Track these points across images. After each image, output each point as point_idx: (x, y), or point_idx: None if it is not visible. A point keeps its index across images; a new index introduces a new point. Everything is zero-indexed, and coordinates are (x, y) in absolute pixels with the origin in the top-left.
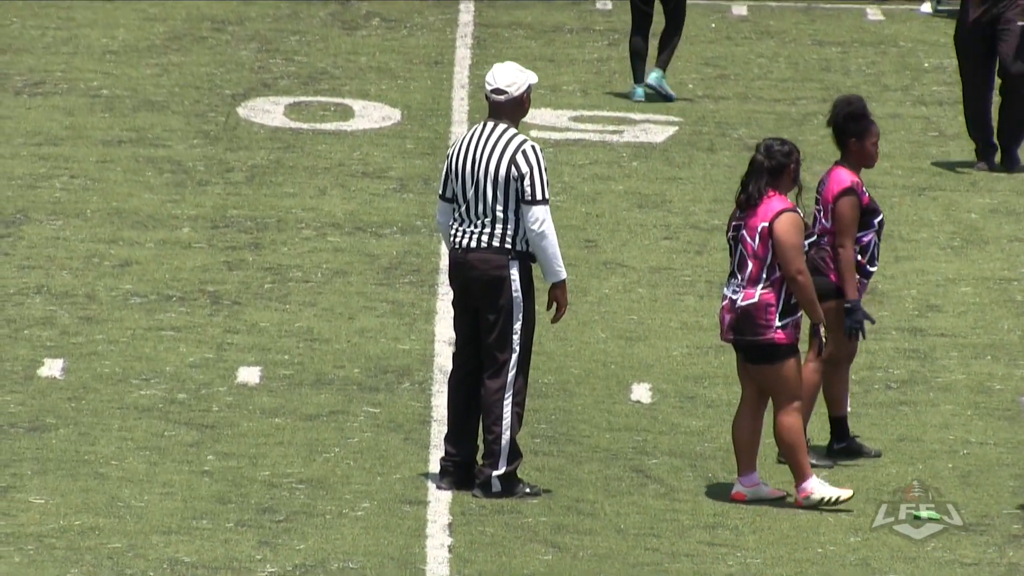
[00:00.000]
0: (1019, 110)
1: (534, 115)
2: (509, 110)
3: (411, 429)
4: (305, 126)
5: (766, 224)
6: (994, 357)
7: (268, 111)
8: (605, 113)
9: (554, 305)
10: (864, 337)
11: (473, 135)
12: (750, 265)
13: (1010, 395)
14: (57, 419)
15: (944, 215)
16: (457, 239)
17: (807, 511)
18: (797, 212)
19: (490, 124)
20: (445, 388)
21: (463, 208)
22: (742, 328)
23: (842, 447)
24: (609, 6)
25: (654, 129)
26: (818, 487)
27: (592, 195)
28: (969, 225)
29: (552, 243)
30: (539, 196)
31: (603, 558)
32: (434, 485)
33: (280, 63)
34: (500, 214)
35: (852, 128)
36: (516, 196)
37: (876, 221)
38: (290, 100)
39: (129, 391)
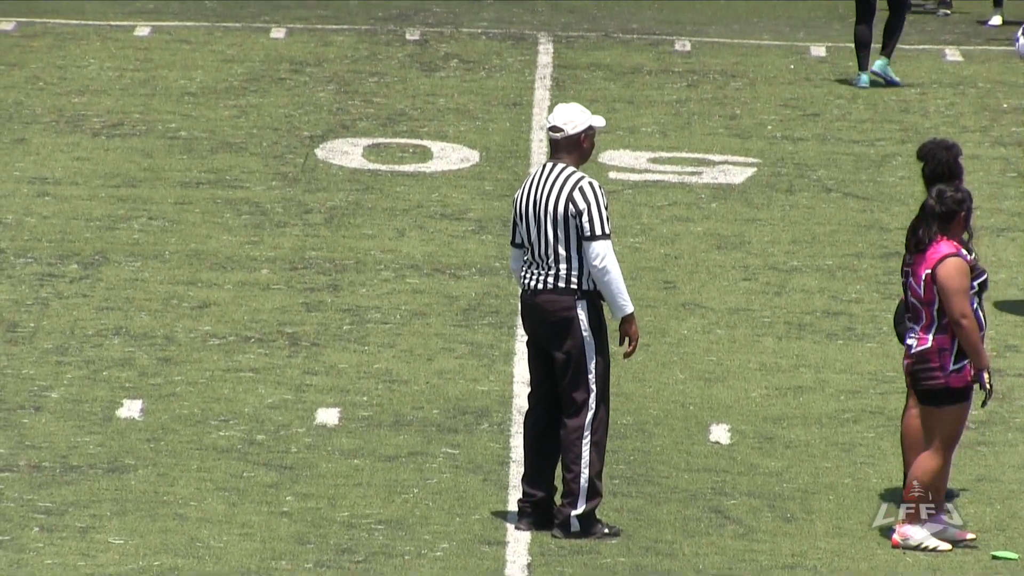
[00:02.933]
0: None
1: (612, 157)
2: (566, 149)
3: (490, 470)
4: (383, 168)
5: (930, 271)
6: None
7: (346, 152)
8: (684, 155)
9: (626, 340)
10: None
11: (533, 177)
12: (921, 311)
13: None
14: (136, 460)
15: (1022, 256)
16: (526, 281)
17: (884, 550)
18: (963, 257)
19: (549, 165)
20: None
21: (530, 251)
22: (917, 373)
23: None
24: (688, 47)
25: (733, 170)
26: (919, 533)
27: (671, 236)
28: None
29: (615, 278)
30: (598, 231)
31: None
32: (512, 526)
33: (358, 104)
34: (563, 253)
35: (957, 169)
36: (577, 234)
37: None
38: (368, 141)
39: (208, 432)
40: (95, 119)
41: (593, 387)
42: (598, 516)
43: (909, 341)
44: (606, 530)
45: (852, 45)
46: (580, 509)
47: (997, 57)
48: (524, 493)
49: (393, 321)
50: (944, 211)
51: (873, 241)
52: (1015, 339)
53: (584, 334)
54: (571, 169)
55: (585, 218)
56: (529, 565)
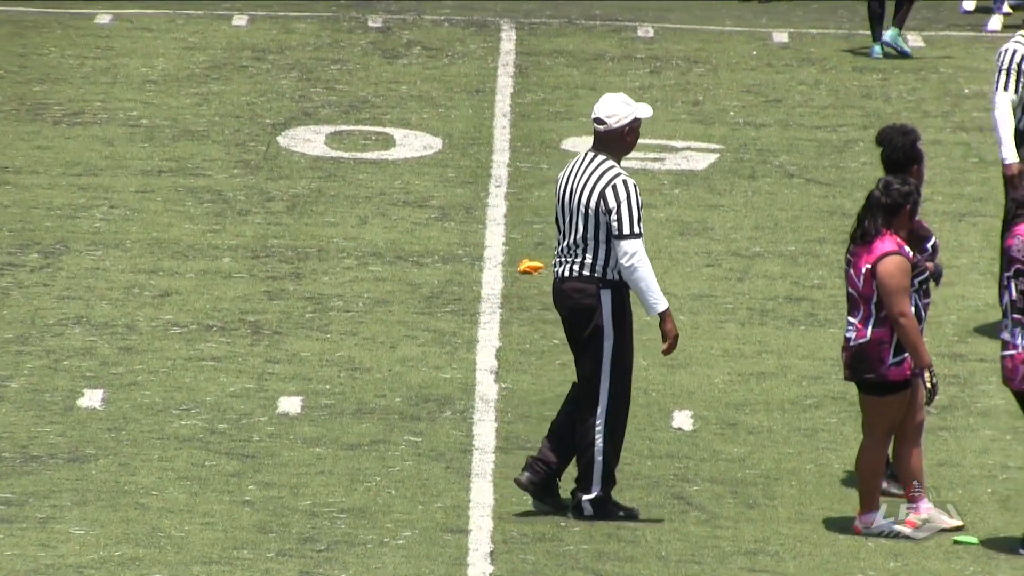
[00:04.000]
0: None
1: (575, 143)
2: (608, 142)
3: (452, 458)
4: (346, 155)
5: (870, 266)
6: None
7: (309, 140)
8: (646, 141)
9: (667, 338)
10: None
11: (574, 165)
12: (859, 304)
13: None
14: (97, 449)
15: (984, 241)
16: (556, 268)
17: (847, 536)
18: (905, 255)
19: (589, 155)
20: (486, 417)
21: (562, 237)
22: (857, 366)
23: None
24: (650, 33)
25: (696, 156)
26: (880, 521)
27: None
28: None
29: (644, 276)
30: (627, 231)
31: None
32: (476, 514)
33: (321, 92)
34: (591, 244)
35: (915, 155)
36: (607, 228)
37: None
38: (331, 129)
39: (169, 421)
40: (56, 107)
41: (607, 376)
42: (615, 499)
43: (848, 334)
44: (621, 512)
45: (814, 31)
46: (593, 494)
47: (959, 43)
48: (540, 451)
49: (356, 309)
50: (890, 203)
51: (835, 227)
52: (976, 324)
53: (604, 323)
54: (609, 164)
55: (615, 216)
56: (492, 553)
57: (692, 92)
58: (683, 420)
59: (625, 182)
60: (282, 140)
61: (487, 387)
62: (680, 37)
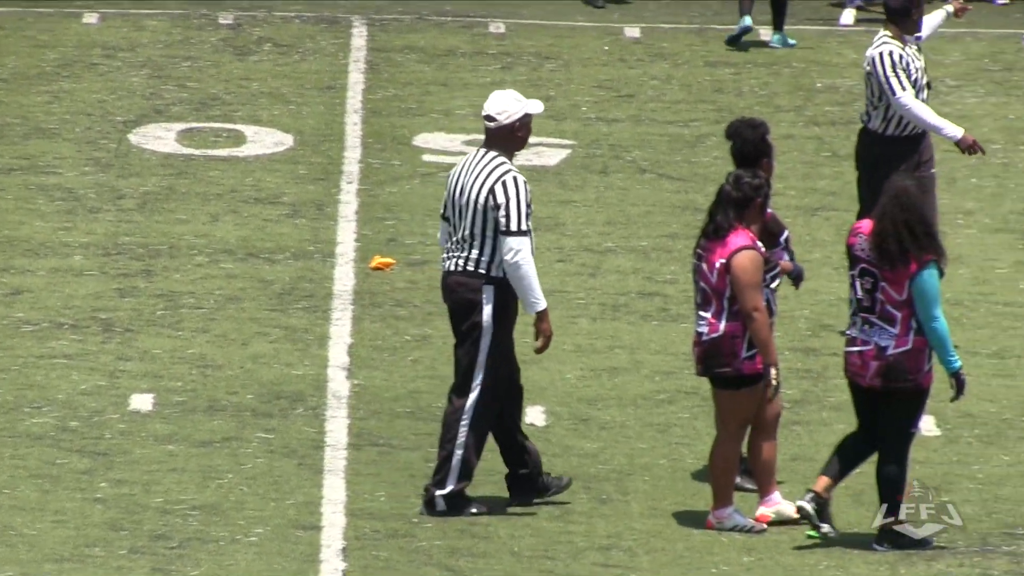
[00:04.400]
0: None
1: (427, 139)
2: (499, 138)
3: (304, 455)
4: (197, 152)
5: (724, 261)
6: None
7: (160, 137)
8: None
9: (539, 336)
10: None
11: (466, 161)
12: (712, 299)
13: None
14: None
15: (837, 235)
16: (444, 262)
17: (700, 531)
18: (757, 249)
19: (481, 151)
20: (338, 413)
21: (451, 231)
22: (709, 361)
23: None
24: (502, 29)
25: (547, 152)
26: (734, 516)
27: None
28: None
29: (526, 274)
30: (514, 227)
31: None
32: (328, 510)
33: (172, 89)
34: (479, 239)
35: (765, 148)
36: (494, 225)
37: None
38: (182, 126)
39: (21, 419)
40: None
41: (482, 371)
42: (468, 495)
43: (700, 328)
44: (473, 509)
45: (666, 26)
46: (447, 489)
47: (811, 37)
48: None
49: (207, 306)
50: (741, 197)
51: (688, 222)
52: (829, 319)
53: (484, 319)
54: (500, 160)
55: (503, 212)
56: (344, 549)
57: (544, 88)
58: (536, 416)
59: (515, 179)
60: (133, 138)
61: (339, 383)
62: (532, 33)
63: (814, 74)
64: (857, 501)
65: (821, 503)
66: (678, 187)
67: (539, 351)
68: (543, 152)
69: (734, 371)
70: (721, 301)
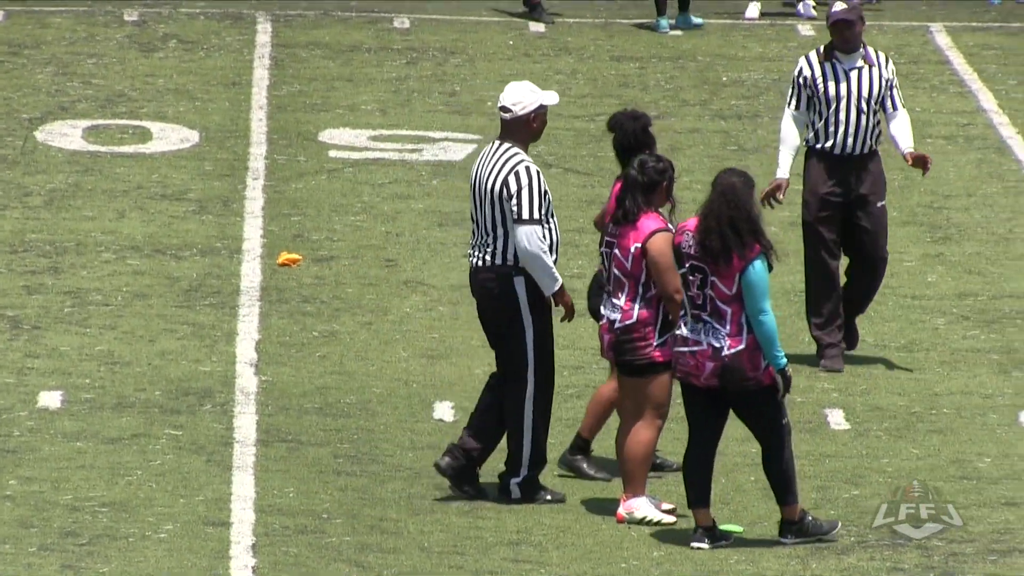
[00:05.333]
0: (871, 288)
1: (332, 135)
2: (514, 129)
3: (213, 451)
4: (103, 149)
5: (639, 245)
6: (794, 369)
7: (66, 134)
8: (404, 132)
9: (562, 311)
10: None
11: (483, 155)
12: (625, 284)
13: (811, 407)
14: None
15: None
16: (470, 258)
17: (609, 525)
18: (670, 231)
19: (496, 143)
20: (246, 409)
21: (475, 227)
22: (622, 347)
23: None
24: (407, 24)
25: (453, 147)
26: (645, 507)
27: (392, 214)
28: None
29: (539, 260)
30: (525, 215)
31: None
32: (238, 506)
33: (78, 86)
34: (500, 231)
35: (646, 140)
36: (511, 216)
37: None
38: (88, 123)
39: None
40: None
41: (531, 360)
42: (542, 483)
43: (612, 316)
44: (548, 496)
45: (571, 20)
46: (520, 476)
47: (716, 31)
48: (460, 439)
49: (114, 303)
50: (646, 181)
51: (594, 216)
52: None
53: (523, 311)
54: (514, 151)
55: (515, 201)
56: (254, 545)
57: (449, 83)
58: (444, 411)
59: (528, 168)
60: (39, 135)
61: (247, 380)
62: (437, 28)
63: (720, 68)
64: (767, 496)
65: (710, 532)
66: (584, 181)
67: (564, 319)
68: (449, 147)
69: (646, 358)
70: (636, 287)
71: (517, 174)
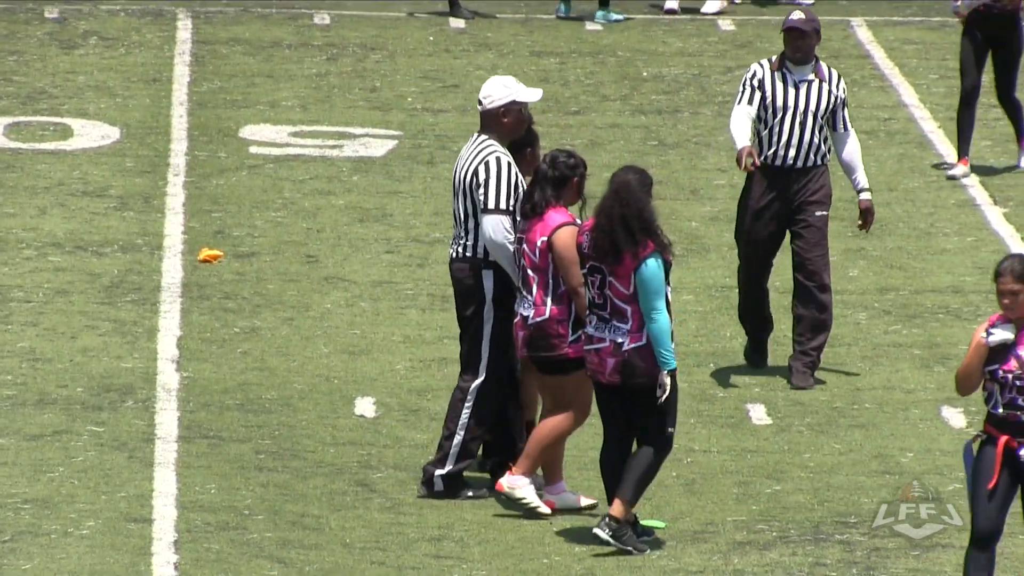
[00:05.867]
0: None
1: (253, 131)
2: (487, 123)
3: (135, 447)
4: (24, 146)
5: (545, 239)
6: (716, 365)
7: None
8: (325, 128)
9: None
10: None
11: (463, 148)
12: (535, 279)
13: (733, 403)
14: None
15: (665, 224)
16: (450, 249)
17: (531, 521)
18: (577, 225)
19: (473, 136)
20: (168, 406)
21: (454, 219)
22: (536, 344)
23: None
24: (327, 20)
25: (374, 143)
26: (527, 488)
27: (313, 210)
28: (690, 233)
29: (504, 251)
30: (491, 205)
31: (329, 572)
32: (160, 503)
33: None
34: (472, 223)
35: (528, 137)
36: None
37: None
38: (9, 120)
39: None
40: None
41: (485, 355)
42: (466, 479)
43: (525, 312)
44: (470, 493)
45: (486, 17)
46: (446, 469)
47: (636, 26)
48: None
49: (36, 300)
50: (557, 176)
51: None
52: None
53: (485, 303)
54: (488, 143)
55: (482, 191)
56: (176, 542)
57: (369, 79)
58: (366, 407)
59: (498, 159)
60: None
61: (169, 376)
62: (357, 24)
63: (640, 63)
64: (689, 491)
65: (616, 530)
66: None
67: None
68: (370, 143)
69: (561, 355)
70: (546, 281)
71: (487, 164)
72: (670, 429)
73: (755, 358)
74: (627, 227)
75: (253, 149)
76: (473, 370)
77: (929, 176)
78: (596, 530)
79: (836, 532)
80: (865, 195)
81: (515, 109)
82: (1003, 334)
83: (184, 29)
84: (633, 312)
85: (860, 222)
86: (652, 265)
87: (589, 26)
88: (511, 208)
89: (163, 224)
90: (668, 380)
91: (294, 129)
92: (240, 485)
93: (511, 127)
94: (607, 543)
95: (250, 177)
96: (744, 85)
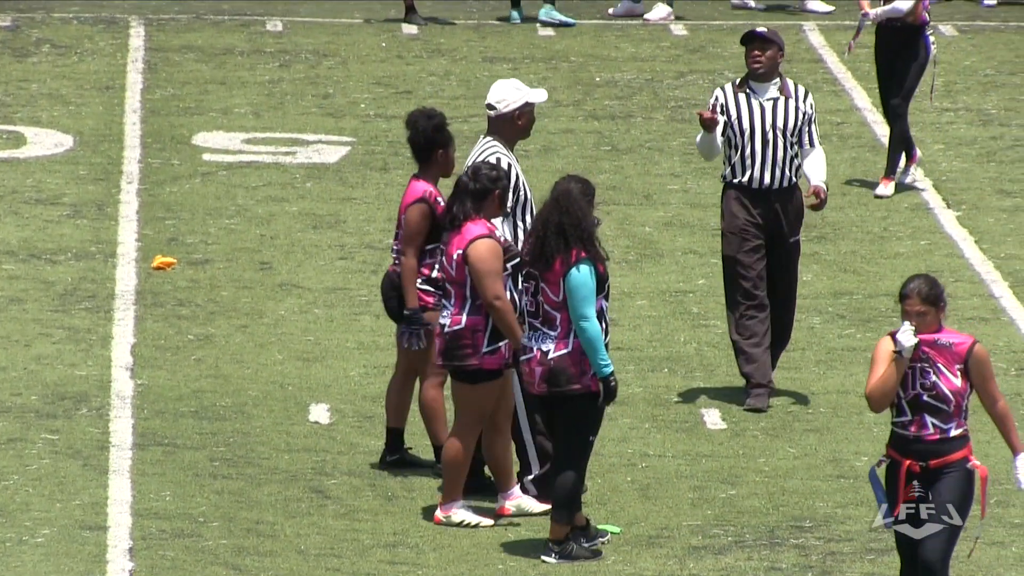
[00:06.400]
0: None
1: (206, 139)
2: (499, 127)
3: (89, 455)
4: None
5: (461, 251)
6: (671, 370)
7: None
8: (278, 135)
9: None
10: (420, 347)
11: (471, 152)
12: (452, 291)
13: (687, 407)
14: None
15: (619, 229)
16: None
17: (486, 528)
18: (496, 239)
19: (480, 139)
20: (123, 413)
21: None
22: (450, 353)
23: (395, 459)
24: (279, 27)
25: (327, 150)
26: (462, 511)
27: (266, 217)
28: (644, 239)
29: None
30: None
31: None
32: (115, 510)
33: None
34: None
35: (439, 139)
36: None
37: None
38: None
39: None
40: None
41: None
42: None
43: (443, 320)
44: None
45: (443, 25)
46: (533, 474)
47: (589, 31)
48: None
49: None
50: (478, 188)
51: None
52: (612, 312)
53: None
54: (492, 144)
55: None
56: (131, 549)
57: (322, 85)
58: (320, 414)
59: (497, 160)
60: None
61: (123, 384)
62: (309, 31)
63: (592, 68)
64: (644, 496)
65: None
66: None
67: None
68: (323, 150)
69: (475, 365)
70: (463, 293)
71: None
72: (591, 437)
73: (756, 400)
74: (562, 234)
75: (206, 156)
76: None
77: None
78: (544, 557)
79: (791, 536)
80: (819, 183)
81: (528, 111)
82: (910, 338)
83: (137, 36)
84: (562, 319)
85: (809, 197)
86: (583, 272)
87: (541, 32)
88: (506, 211)
89: (117, 232)
90: (603, 386)
91: (247, 136)
92: (195, 492)
93: (524, 128)
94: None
95: (203, 184)
96: (711, 109)
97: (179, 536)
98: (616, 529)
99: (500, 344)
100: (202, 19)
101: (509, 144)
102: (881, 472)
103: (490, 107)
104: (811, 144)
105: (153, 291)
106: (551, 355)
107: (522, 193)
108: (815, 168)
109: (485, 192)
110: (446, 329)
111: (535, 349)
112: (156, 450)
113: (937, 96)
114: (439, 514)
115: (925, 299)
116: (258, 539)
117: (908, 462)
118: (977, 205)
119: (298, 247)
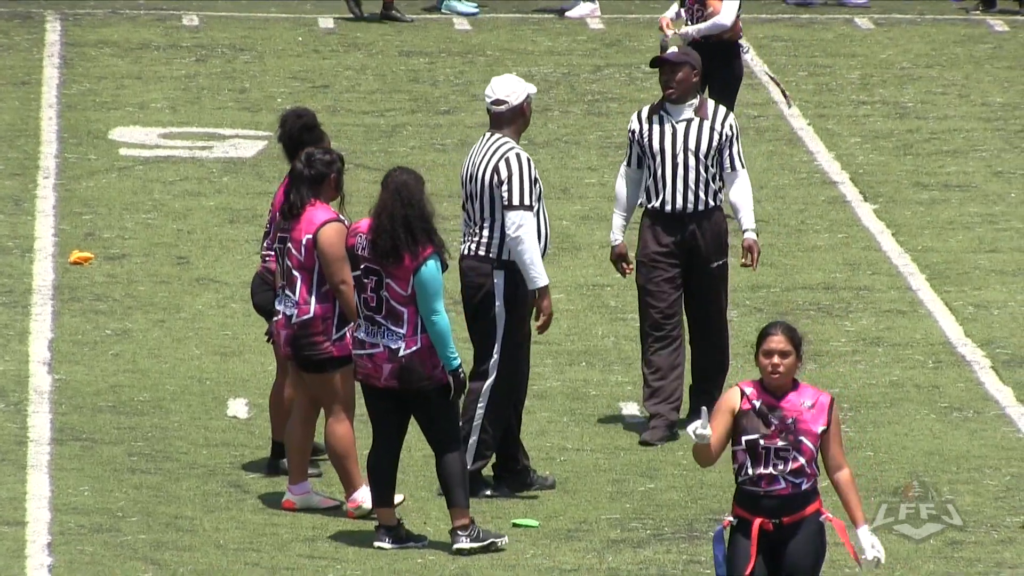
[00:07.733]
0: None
1: (123, 133)
2: (509, 120)
3: (8, 450)
4: None
5: (311, 236)
6: (589, 363)
7: None
8: (194, 129)
9: (540, 314)
10: None
11: (475, 147)
12: (299, 278)
13: (605, 401)
14: None
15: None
16: (460, 246)
17: (405, 521)
18: (341, 222)
19: (487, 135)
20: (41, 408)
21: (467, 217)
22: (299, 343)
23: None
24: (196, 22)
25: (244, 144)
26: (369, 498)
27: (183, 211)
28: (561, 232)
29: (528, 249)
30: (516, 201)
31: (203, 574)
32: (33, 505)
33: None
34: (488, 221)
35: (308, 139)
36: (501, 203)
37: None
38: None
39: None
40: None
41: (496, 356)
42: (484, 478)
43: (288, 311)
44: (488, 492)
45: (356, 19)
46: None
47: (505, 25)
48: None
49: None
50: (313, 174)
51: None
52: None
53: (496, 303)
54: (505, 140)
55: (506, 188)
56: (50, 544)
57: (239, 80)
58: (238, 408)
59: (518, 155)
60: None
61: (41, 379)
62: (225, 25)
63: (509, 62)
64: (562, 489)
65: (393, 531)
66: (375, 177)
67: (541, 330)
68: (240, 144)
69: (325, 354)
70: (310, 280)
71: (507, 160)
72: (461, 423)
73: (650, 433)
74: (408, 227)
75: (123, 151)
76: (484, 372)
77: (799, 173)
78: (456, 546)
79: (710, 529)
80: (750, 234)
81: (531, 101)
82: (703, 431)
83: (53, 31)
84: (409, 315)
85: (744, 260)
86: (431, 267)
87: (458, 25)
88: (534, 204)
89: (34, 227)
90: (453, 379)
91: (164, 131)
92: (113, 487)
93: (527, 120)
94: (473, 551)
95: (120, 179)
96: (628, 141)
97: (98, 531)
98: (535, 523)
99: (346, 330)
100: (118, 14)
101: (515, 137)
102: (726, 534)
103: (499, 102)
104: (732, 167)
105: (70, 286)
106: (402, 353)
107: (539, 185)
108: (743, 209)
109: (321, 177)
110: (293, 320)
111: (380, 345)
112: (74, 445)
113: (854, 89)
114: (349, 508)
115: (790, 339)
116: (177, 534)
117: (760, 520)
118: (894, 198)
119: (215, 242)
